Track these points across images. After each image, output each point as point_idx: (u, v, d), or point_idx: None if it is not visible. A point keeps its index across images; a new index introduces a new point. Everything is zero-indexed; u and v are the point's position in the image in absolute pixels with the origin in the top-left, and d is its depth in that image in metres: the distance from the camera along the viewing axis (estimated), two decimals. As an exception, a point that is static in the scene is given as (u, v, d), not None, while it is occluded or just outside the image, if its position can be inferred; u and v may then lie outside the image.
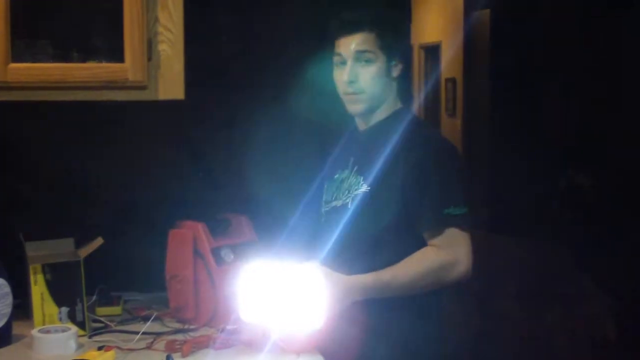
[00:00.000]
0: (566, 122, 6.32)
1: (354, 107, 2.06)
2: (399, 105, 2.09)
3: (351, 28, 2.02)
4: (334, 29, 2.05)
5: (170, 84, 2.11)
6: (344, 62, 2.03)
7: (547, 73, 6.40)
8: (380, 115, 2.07)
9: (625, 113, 5.90)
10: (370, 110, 2.06)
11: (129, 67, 2.05)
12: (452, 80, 7.68)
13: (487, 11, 6.72)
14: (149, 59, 2.07)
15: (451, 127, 7.68)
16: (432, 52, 8.31)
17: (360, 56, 2.01)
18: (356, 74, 2.02)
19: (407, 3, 2.88)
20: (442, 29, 7.94)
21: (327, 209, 2.12)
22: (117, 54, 2.06)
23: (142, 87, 2.08)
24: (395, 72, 2.05)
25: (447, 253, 1.91)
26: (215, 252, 2.23)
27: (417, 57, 8.54)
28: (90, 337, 2.13)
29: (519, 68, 6.42)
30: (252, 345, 2.02)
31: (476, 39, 7.02)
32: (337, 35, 2.04)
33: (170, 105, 2.16)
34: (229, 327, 2.08)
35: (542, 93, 6.44)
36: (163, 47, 2.09)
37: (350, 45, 2.01)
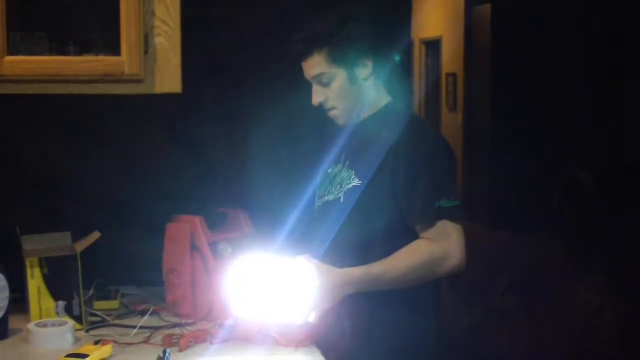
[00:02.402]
0: (567, 118, 6.31)
1: (337, 121, 2.07)
2: (386, 99, 2.06)
3: (301, 54, 2.00)
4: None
5: (167, 78, 2.10)
6: (312, 85, 2.04)
7: (548, 68, 6.39)
8: (367, 113, 2.05)
9: (626, 109, 5.89)
10: (353, 119, 2.05)
11: (126, 61, 2.04)
12: (453, 76, 7.68)
13: (488, 6, 6.71)
14: (146, 53, 2.06)
15: (452, 122, 7.68)
16: (433, 47, 8.30)
17: (318, 80, 2.00)
18: (323, 95, 2.02)
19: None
20: (443, 23, 7.93)
21: (320, 203, 2.11)
22: (113, 48, 2.05)
23: (139, 81, 2.07)
24: (364, 74, 2.00)
25: (439, 246, 1.89)
26: (213, 246, 2.23)
27: (418, 52, 8.53)
28: (87, 331, 2.13)
29: (520, 63, 6.42)
30: (249, 340, 2.02)
31: (477, 34, 7.02)
32: (300, 59, 2.03)
33: (168, 99, 2.15)
34: (226, 321, 2.08)
35: (543, 88, 6.44)
36: (160, 41, 2.08)
37: (307, 71, 2.01)
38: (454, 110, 7.71)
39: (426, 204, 1.91)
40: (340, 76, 1.99)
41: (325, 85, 2.00)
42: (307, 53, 1.99)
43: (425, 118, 7.65)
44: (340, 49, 1.96)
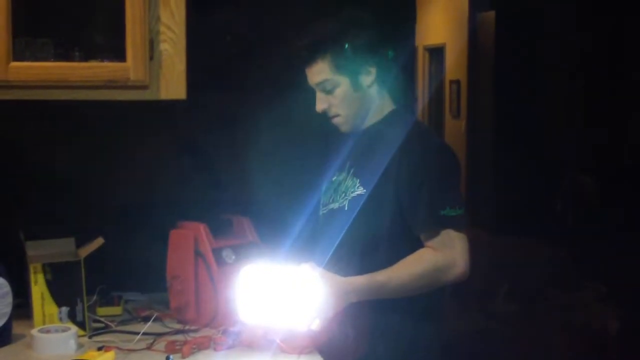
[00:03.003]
0: (570, 124, 6.32)
1: (341, 128, 2.07)
2: (390, 107, 2.06)
3: (305, 60, 2.00)
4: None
5: (172, 84, 2.10)
6: (315, 92, 2.04)
7: (551, 75, 6.40)
8: (371, 120, 2.05)
9: (628, 114, 5.90)
10: (357, 126, 2.05)
11: (131, 67, 2.04)
12: (456, 82, 7.67)
13: (492, 13, 6.71)
14: (151, 59, 2.06)
15: (455, 129, 7.67)
16: (437, 53, 8.30)
17: (321, 86, 2.00)
18: (326, 102, 2.02)
19: (411, 3, 2.87)
20: (446, 30, 7.92)
21: (324, 211, 2.11)
22: (118, 53, 2.05)
23: (144, 87, 2.07)
24: (367, 81, 2.00)
25: (443, 255, 1.89)
26: (217, 252, 2.22)
27: (422, 59, 8.53)
28: (90, 337, 2.13)
29: (523, 70, 6.42)
30: (252, 346, 2.02)
31: (481, 40, 7.01)
32: (303, 65, 2.03)
33: (172, 105, 2.15)
34: (229, 328, 2.07)
35: (545, 95, 6.44)
36: (165, 47, 2.08)
37: (310, 78, 2.02)
38: (458, 117, 7.70)
39: (430, 213, 1.90)
40: (343, 83, 1.99)
41: (329, 92, 2.00)
42: (310, 59, 1.99)
43: (428, 125, 7.65)
44: (344, 55, 1.96)
